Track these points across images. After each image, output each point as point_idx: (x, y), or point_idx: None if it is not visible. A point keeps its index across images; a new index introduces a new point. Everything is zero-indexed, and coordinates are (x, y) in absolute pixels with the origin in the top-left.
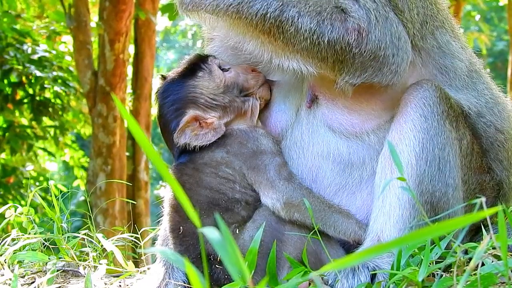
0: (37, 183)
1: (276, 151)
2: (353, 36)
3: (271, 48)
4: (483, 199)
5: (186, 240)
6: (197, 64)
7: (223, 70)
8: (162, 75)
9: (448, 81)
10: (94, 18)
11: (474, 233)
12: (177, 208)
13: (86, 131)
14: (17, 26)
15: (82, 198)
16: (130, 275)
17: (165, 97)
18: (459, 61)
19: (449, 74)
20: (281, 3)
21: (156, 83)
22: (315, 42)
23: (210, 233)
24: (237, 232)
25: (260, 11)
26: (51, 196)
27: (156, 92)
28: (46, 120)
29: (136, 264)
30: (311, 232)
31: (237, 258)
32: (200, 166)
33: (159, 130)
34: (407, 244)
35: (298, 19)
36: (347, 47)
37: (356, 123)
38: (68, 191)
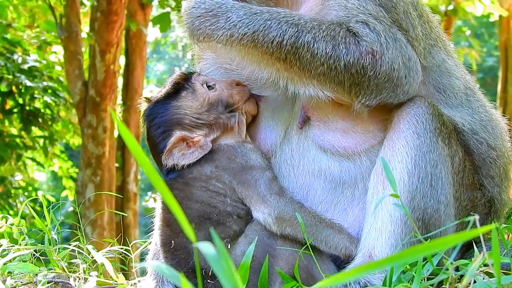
0: (26, 193)
1: (266, 166)
2: (367, 59)
3: (286, 75)
4: (477, 217)
5: (178, 254)
6: (181, 83)
7: (208, 86)
8: (146, 98)
9: (444, 99)
10: (85, 28)
11: (466, 249)
12: (168, 222)
13: (76, 141)
14: (8, 36)
15: (71, 208)
16: None
17: (151, 119)
18: (455, 79)
19: (446, 92)
20: (296, 30)
21: (143, 99)
22: (331, 67)
23: (205, 247)
24: (229, 247)
25: (276, 38)
26: (40, 206)
27: (142, 115)
28: (35, 130)
29: (126, 276)
30: (303, 247)
31: (231, 273)
32: (190, 181)
33: None
34: (399, 262)
35: (314, 44)
36: (362, 70)
37: (349, 146)
38: (58, 202)
